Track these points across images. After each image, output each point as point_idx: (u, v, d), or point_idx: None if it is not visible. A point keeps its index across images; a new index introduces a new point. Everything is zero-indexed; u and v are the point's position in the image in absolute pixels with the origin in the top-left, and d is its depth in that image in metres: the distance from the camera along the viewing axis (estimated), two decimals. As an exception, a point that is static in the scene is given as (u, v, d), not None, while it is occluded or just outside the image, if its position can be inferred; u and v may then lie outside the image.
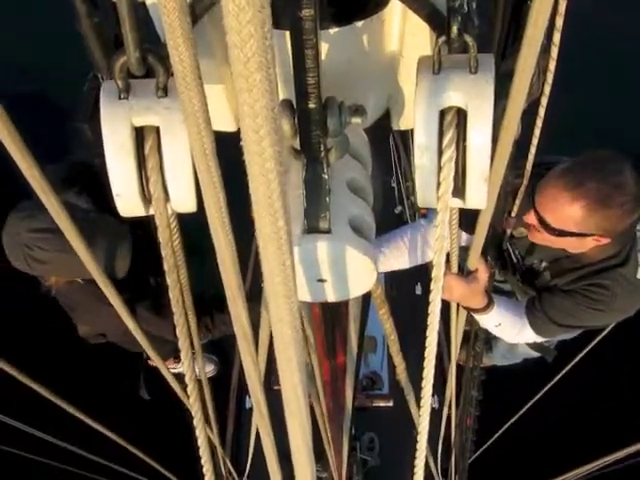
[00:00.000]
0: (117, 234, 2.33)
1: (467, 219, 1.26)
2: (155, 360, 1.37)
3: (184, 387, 1.30)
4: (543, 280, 2.28)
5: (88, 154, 2.49)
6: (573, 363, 2.86)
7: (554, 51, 1.16)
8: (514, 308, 2.27)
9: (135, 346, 3.34)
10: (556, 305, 2.19)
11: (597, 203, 1.84)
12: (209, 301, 2.68)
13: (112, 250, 2.32)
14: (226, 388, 4.50)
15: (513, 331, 2.27)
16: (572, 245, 2.07)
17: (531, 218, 2.00)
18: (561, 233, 1.96)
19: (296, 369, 0.81)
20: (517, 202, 1.95)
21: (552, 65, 1.20)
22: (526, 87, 0.79)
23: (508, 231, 2.19)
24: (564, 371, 2.86)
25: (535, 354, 3.09)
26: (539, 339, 2.36)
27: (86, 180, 2.48)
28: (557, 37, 1.11)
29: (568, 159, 2.15)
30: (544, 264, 2.28)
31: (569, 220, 1.91)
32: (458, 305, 2.03)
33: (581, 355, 2.78)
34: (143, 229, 2.41)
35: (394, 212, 4.98)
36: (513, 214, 2.02)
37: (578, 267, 2.15)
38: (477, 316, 2.15)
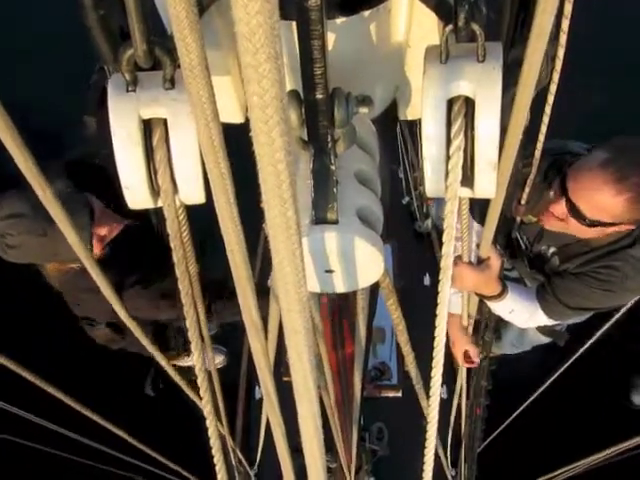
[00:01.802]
0: (79, 209, 2.29)
1: (479, 208, 1.26)
2: (154, 353, 1.37)
3: (194, 378, 1.31)
4: (552, 265, 2.27)
5: (94, 147, 2.51)
6: (581, 351, 2.85)
7: (563, 38, 1.15)
8: (526, 293, 2.27)
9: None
10: (568, 288, 2.18)
11: (639, 197, 1.82)
12: (208, 286, 2.68)
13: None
14: (235, 379, 4.52)
15: (525, 316, 2.27)
16: (592, 233, 2.04)
17: (559, 208, 1.97)
18: (593, 223, 1.93)
19: (306, 359, 0.81)
20: (526, 189, 1.93)
21: (561, 52, 1.19)
22: (535, 75, 0.79)
23: (518, 218, 2.18)
24: (573, 358, 2.86)
25: (545, 340, 3.09)
26: (550, 322, 2.36)
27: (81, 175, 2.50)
28: (566, 24, 1.10)
29: (581, 145, 2.13)
30: (552, 249, 2.27)
31: (606, 212, 1.88)
32: (468, 295, 2.04)
33: (590, 342, 2.78)
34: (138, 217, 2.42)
35: (401, 203, 4.98)
36: (523, 202, 2.00)
37: (587, 251, 2.13)
38: (490, 303, 2.14)
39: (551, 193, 2.01)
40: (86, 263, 0.95)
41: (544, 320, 2.30)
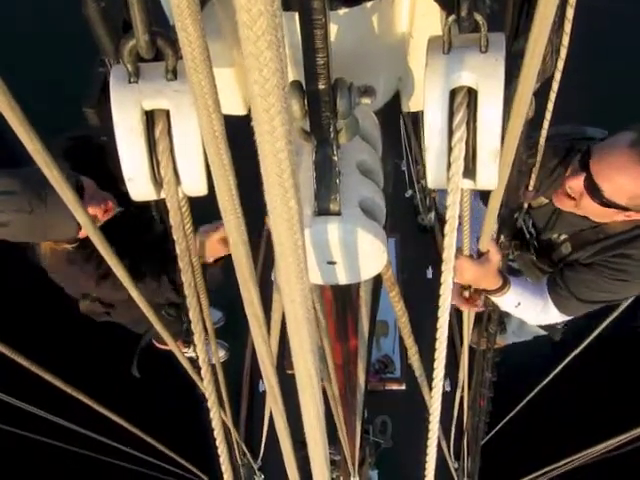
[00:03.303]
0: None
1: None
2: (168, 342, 1.37)
3: (198, 370, 1.31)
4: (562, 253, 2.24)
5: (93, 129, 2.52)
6: (586, 343, 2.85)
7: (567, 26, 1.14)
8: (533, 287, 2.24)
9: (138, 326, 3.36)
10: (581, 280, 2.14)
11: None
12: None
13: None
14: (240, 373, 4.53)
15: (535, 311, 2.23)
16: (603, 215, 2.02)
17: (577, 183, 1.93)
18: (608, 204, 1.91)
19: (309, 350, 0.81)
20: (533, 176, 1.92)
21: (566, 40, 1.19)
22: (537, 66, 0.78)
23: (525, 205, 2.16)
24: (577, 350, 2.86)
25: (542, 332, 3.08)
26: (563, 318, 2.32)
27: (79, 153, 2.50)
28: (570, 12, 1.09)
29: (600, 131, 2.10)
30: (564, 236, 2.24)
31: (625, 193, 1.86)
32: (470, 288, 2.03)
33: (594, 335, 2.77)
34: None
35: (405, 196, 4.98)
36: (530, 188, 1.98)
37: (602, 238, 2.10)
38: (495, 298, 2.13)
39: (570, 169, 1.98)
40: (94, 239, 0.94)
41: (556, 316, 2.26)
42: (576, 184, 1.95)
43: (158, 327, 1.26)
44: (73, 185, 2.27)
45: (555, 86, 1.35)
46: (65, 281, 2.77)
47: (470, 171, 0.90)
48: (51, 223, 2.23)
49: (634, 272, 2.07)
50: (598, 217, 2.05)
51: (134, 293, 1.09)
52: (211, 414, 1.30)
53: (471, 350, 2.60)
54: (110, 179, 2.25)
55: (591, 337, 2.81)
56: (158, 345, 3.92)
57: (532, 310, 2.23)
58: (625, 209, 1.91)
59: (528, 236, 2.35)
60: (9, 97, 0.64)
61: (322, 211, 0.92)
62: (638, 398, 4.68)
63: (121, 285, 1.06)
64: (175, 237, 1.04)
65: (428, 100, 0.84)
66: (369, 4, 0.91)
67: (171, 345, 1.40)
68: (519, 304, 2.18)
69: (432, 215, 4.79)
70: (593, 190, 1.90)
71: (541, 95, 1.06)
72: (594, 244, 2.12)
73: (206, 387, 1.25)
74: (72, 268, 2.60)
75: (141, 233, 2.70)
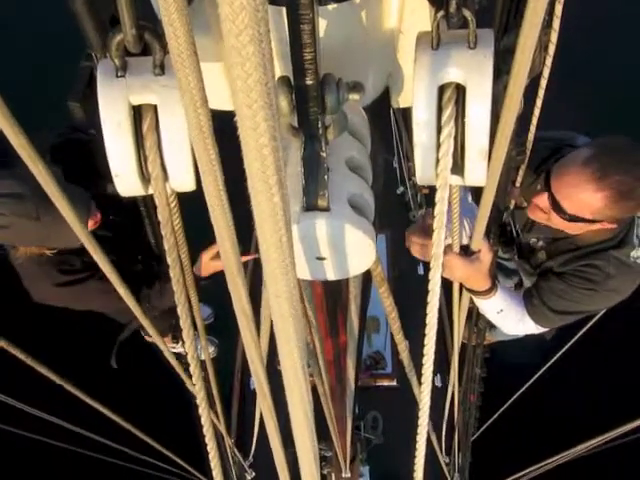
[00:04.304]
0: (80, 202, 2.29)
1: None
2: (155, 339, 1.37)
3: (186, 367, 1.31)
4: (538, 259, 2.27)
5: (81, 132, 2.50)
6: (576, 338, 2.87)
7: (556, 23, 1.14)
8: (517, 296, 2.27)
9: (121, 316, 3.34)
10: (551, 290, 2.18)
11: (619, 195, 1.83)
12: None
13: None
14: (231, 370, 4.53)
15: (514, 320, 2.26)
16: (575, 228, 2.06)
17: (542, 200, 1.98)
18: (573, 218, 1.95)
19: (295, 345, 0.81)
20: (521, 172, 1.93)
21: (554, 37, 1.19)
22: (528, 62, 0.78)
23: (512, 202, 2.17)
24: (567, 346, 2.87)
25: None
26: (539, 329, 2.35)
27: (67, 150, 2.48)
28: (559, 9, 1.10)
29: (580, 139, 2.13)
30: (541, 243, 2.27)
31: (587, 208, 1.89)
32: (461, 284, 2.03)
33: (582, 332, 2.79)
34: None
35: (396, 193, 4.98)
36: (517, 184, 2.00)
37: (573, 248, 2.15)
38: (479, 300, 2.13)
39: (538, 186, 2.03)
40: (88, 246, 0.94)
41: (532, 327, 2.29)
42: (542, 202, 2.00)
43: (145, 323, 1.26)
44: (86, 199, 2.26)
45: (543, 83, 1.35)
46: (28, 283, 2.73)
47: (459, 167, 0.90)
48: (56, 231, 2.20)
49: (601, 282, 2.11)
50: (571, 230, 2.09)
51: (121, 289, 1.09)
52: (199, 411, 1.30)
53: (462, 346, 2.61)
54: (94, 177, 2.23)
55: (578, 335, 2.83)
56: (146, 337, 3.91)
57: (512, 319, 2.26)
58: (594, 221, 1.94)
59: (515, 234, 2.36)
60: None
61: (310, 207, 0.92)
62: (626, 396, 4.71)
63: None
64: (163, 233, 1.03)
65: (416, 96, 0.84)
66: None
67: (158, 342, 1.39)
68: (501, 310, 2.20)
69: (423, 211, 4.79)
70: (557, 208, 1.96)
71: (528, 92, 1.06)
72: (566, 253, 2.16)
73: (195, 384, 1.25)
74: (39, 270, 2.56)
75: (125, 235, 2.69)
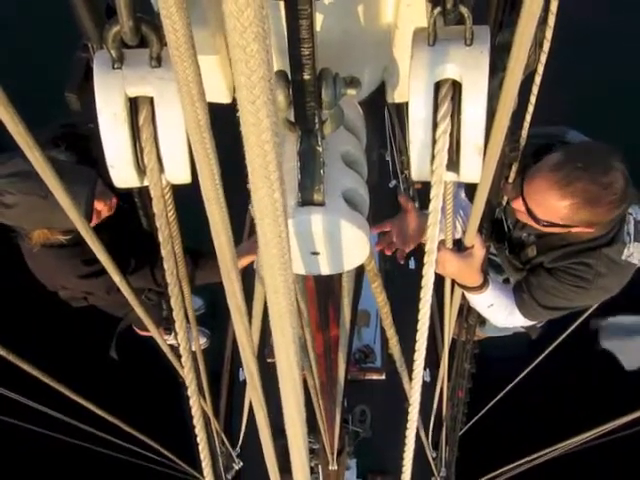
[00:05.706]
0: (83, 180, 2.28)
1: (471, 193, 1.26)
2: (149, 328, 1.37)
3: (178, 358, 1.31)
4: (528, 254, 2.28)
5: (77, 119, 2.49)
6: (563, 337, 2.88)
7: (551, 19, 1.15)
8: (507, 291, 2.28)
9: (117, 310, 3.34)
10: (541, 285, 2.19)
11: (584, 202, 1.84)
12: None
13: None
14: (220, 361, 4.53)
15: (504, 313, 2.27)
16: (555, 230, 2.07)
17: (518, 205, 2.00)
18: (546, 224, 1.97)
19: (291, 340, 0.81)
20: (514, 168, 1.94)
21: (549, 34, 1.20)
22: (524, 59, 0.79)
23: (505, 198, 2.18)
24: (556, 343, 2.89)
25: (521, 329, 3.11)
26: (527, 323, 2.37)
27: (70, 140, 2.48)
28: (554, 5, 1.10)
29: (579, 136, 2.13)
30: (532, 238, 2.28)
31: (555, 215, 1.91)
32: (453, 280, 2.04)
33: (572, 329, 2.80)
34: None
35: (388, 186, 4.97)
36: (510, 180, 2.01)
37: (564, 244, 2.15)
38: (470, 295, 2.14)
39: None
40: (80, 229, 0.94)
41: (521, 320, 2.31)
42: (518, 206, 2.01)
43: (141, 313, 1.25)
44: (89, 178, 2.25)
45: (538, 79, 1.36)
46: (44, 273, 2.73)
47: (454, 164, 0.91)
48: (62, 210, 2.18)
49: (591, 280, 2.11)
50: (552, 231, 2.09)
51: (118, 279, 1.09)
52: (191, 402, 1.30)
53: (452, 341, 2.62)
54: (96, 168, 2.23)
55: (565, 334, 2.85)
56: (139, 332, 3.90)
57: (502, 313, 2.27)
58: (566, 227, 1.95)
59: (507, 230, 2.37)
60: None
61: (306, 201, 0.92)
62: (612, 392, 4.75)
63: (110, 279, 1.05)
64: (158, 225, 1.03)
65: (413, 92, 0.84)
66: None
67: (152, 331, 1.39)
68: (492, 305, 2.21)
69: (416, 205, 4.78)
70: (530, 213, 1.97)
71: (523, 88, 1.06)
72: (557, 249, 2.17)
73: (187, 375, 1.25)
74: (57, 262, 2.56)
75: (126, 223, 2.69)
